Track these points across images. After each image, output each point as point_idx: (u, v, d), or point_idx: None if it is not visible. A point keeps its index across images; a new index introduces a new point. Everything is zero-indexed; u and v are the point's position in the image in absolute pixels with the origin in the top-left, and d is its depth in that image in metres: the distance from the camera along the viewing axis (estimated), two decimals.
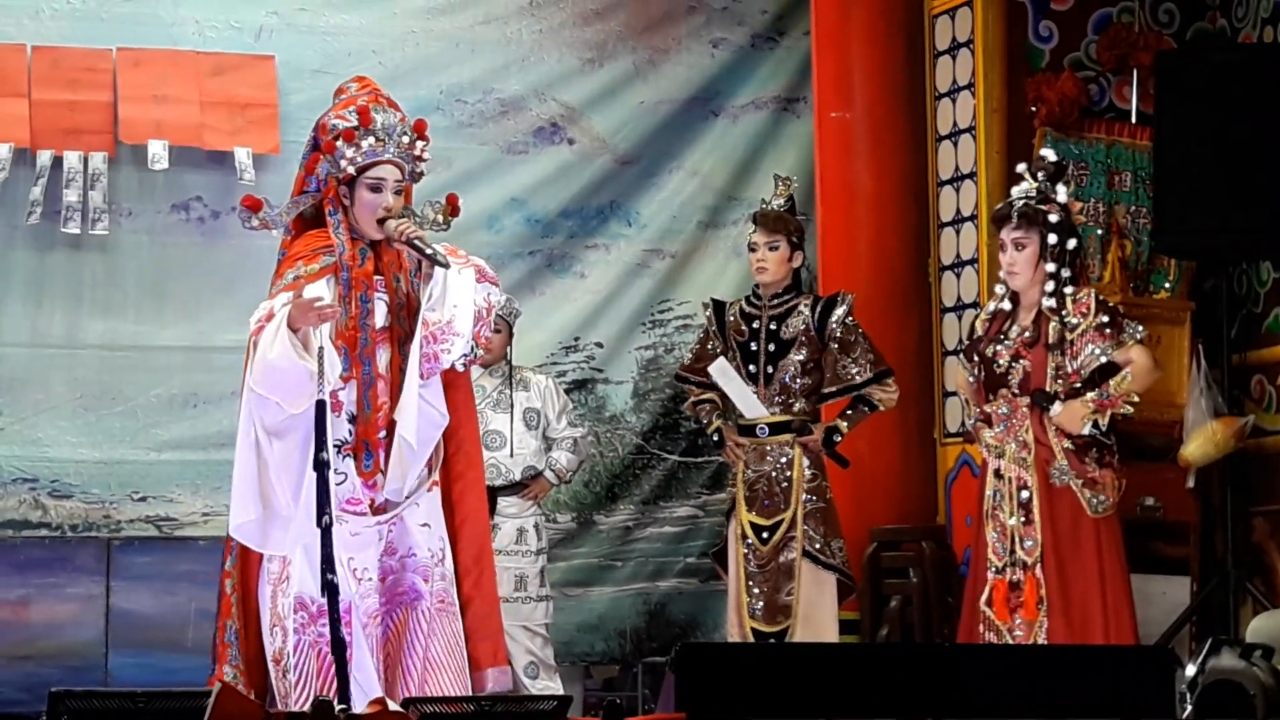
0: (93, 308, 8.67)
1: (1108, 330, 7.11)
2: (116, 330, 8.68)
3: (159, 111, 8.64)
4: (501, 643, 6.15)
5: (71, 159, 8.55)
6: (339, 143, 5.91)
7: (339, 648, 5.46)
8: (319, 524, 5.44)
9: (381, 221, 5.91)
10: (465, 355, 5.91)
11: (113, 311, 8.69)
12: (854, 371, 7.70)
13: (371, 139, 5.92)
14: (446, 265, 5.83)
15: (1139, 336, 7.14)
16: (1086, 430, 7.07)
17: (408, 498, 5.91)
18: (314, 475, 5.52)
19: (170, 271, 8.76)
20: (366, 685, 5.72)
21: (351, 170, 5.92)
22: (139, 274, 8.73)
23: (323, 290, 5.82)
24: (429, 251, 5.83)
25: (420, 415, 5.87)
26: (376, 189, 5.93)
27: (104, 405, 8.65)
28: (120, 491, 8.63)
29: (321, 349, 5.60)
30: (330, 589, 5.44)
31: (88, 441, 8.62)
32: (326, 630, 5.70)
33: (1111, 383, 7.07)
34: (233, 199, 8.65)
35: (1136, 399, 7.12)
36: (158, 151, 8.57)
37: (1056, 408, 7.08)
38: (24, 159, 8.57)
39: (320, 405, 5.53)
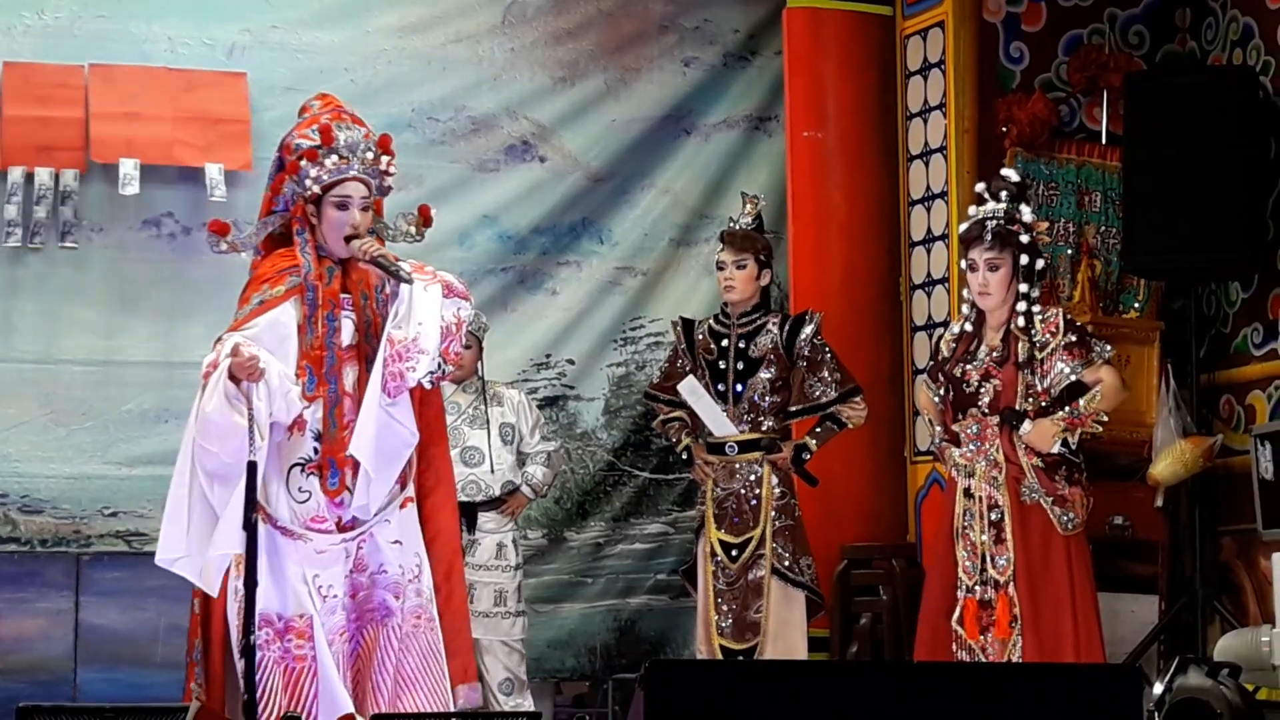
0: (64, 323, 8.65)
1: (1076, 349, 7.14)
2: (87, 345, 8.66)
3: (130, 129, 8.62)
4: (472, 659, 6.15)
5: (42, 175, 8.54)
6: (303, 162, 5.91)
7: (250, 711, 5.43)
8: (247, 584, 5.44)
9: (349, 239, 5.92)
10: (432, 372, 5.91)
11: (84, 327, 8.67)
12: (821, 390, 7.72)
13: (335, 157, 5.93)
14: (410, 281, 5.84)
15: (1107, 356, 7.17)
16: (1056, 448, 7.09)
17: (376, 515, 5.91)
18: (241, 533, 5.51)
19: (141, 287, 8.75)
20: (334, 702, 5.72)
21: (317, 189, 5.92)
22: (110, 289, 8.72)
23: (289, 313, 5.83)
24: (393, 268, 5.84)
25: (389, 434, 5.87)
26: (343, 206, 5.93)
27: (75, 420, 8.63)
28: (91, 507, 8.60)
29: (252, 411, 5.60)
30: (248, 652, 5.42)
31: (58, 457, 8.60)
32: (292, 647, 5.71)
33: (1081, 401, 7.10)
34: (204, 215, 8.64)
35: (1105, 418, 7.15)
36: (129, 172, 8.56)
37: (1026, 426, 7.10)
38: None
39: (251, 466, 5.52)
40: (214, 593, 5.75)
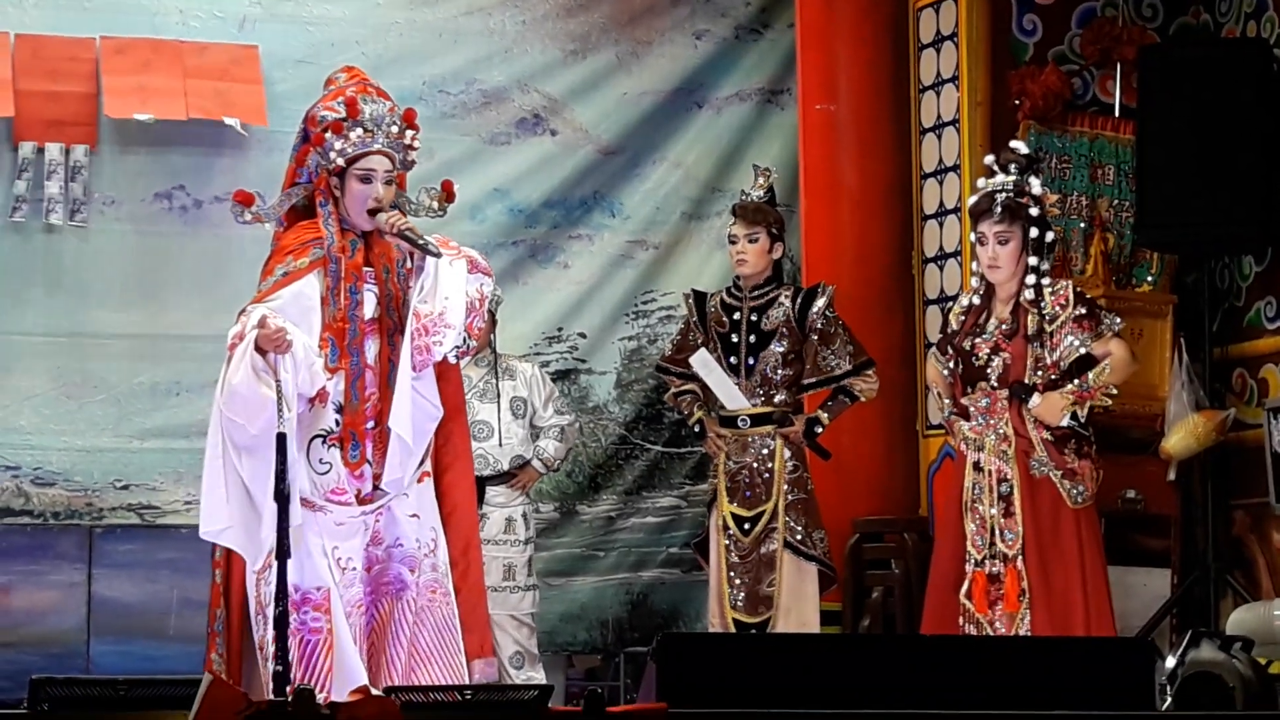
0: (75, 296, 8.67)
1: (1085, 321, 7.13)
2: (99, 318, 8.68)
3: (143, 93, 8.61)
4: (488, 634, 6.15)
5: (53, 151, 8.53)
6: (328, 134, 5.90)
7: (282, 681, 5.44)
8: (279, 555, 5.45)
9: (372, 213, 5.92)
10: (457, 347, 5.92)
11: (95, 300, 8.68)
12: (835, 363, 7.71)
13: (360, 130, 5.92)
14: (438, 255, 5.84)
15: (1117, 328, 7.17)
16: (1065, 422, 7.08)
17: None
18: (274, 506, 5.51)
19: (153, 260, 8.75)
20: (349, 675, 5.73)
21: (341, 162, 5.92)
22: (122, 262, 8.72)
23: (313, 285, 5.83)
24: (420, 242, 5.84)
25: (415, 409, 5.88)
26: (366, 180, 5.93)
27: (86, 393, 8.64)
28: (103, 479, 8.62)
29: (279, 383, 5.60)
30: (280, 622, 5.43)
31: (70, 429, 8.62)
32: (309, 619, 5.72)
33: (1090, 374, 7.09)
34: (216, 188, 8.68)
35: (1115, 390, 7.14)
36: (143, 117, 8.55)
37: (1035, 399, 7.09)
38: (5, 141, 8.54)
39: (280, 438, 5.52)
40: (257, 565, 5.75)
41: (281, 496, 5.44)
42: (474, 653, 6.01)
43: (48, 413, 8.60)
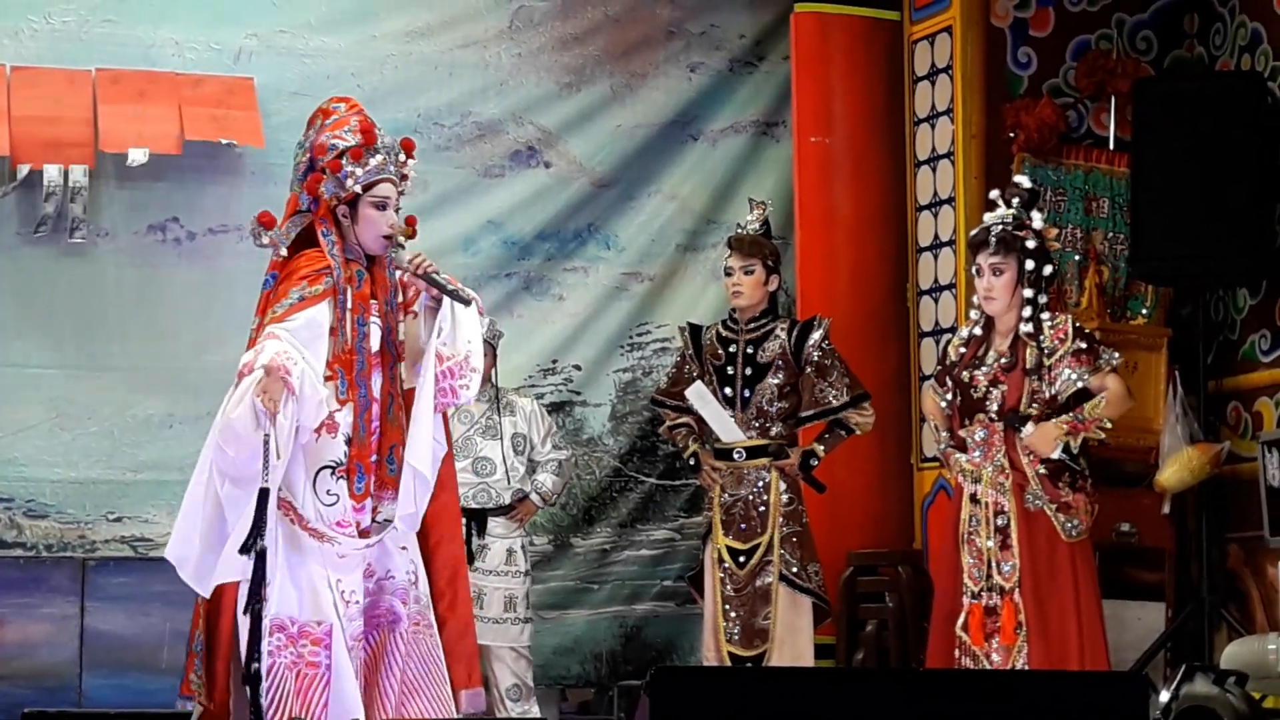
0: (69, 328, 8.65)
1: (1084, 355, 7.14)
2: (93, 350, 8.66)
3: (139, 124, 8.60)
4: (476, 664, 6.14)
5: (51, 172, 8.49)
6: (344, 160, 5.89)
7: None
8: (246, 610, 5.43)
9: (388, 238, 5.92)
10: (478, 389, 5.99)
11: (89, 332, 8.66)
12: (830, 395, 7.71)
13: (379, 156, 5.93)
14: (467, 303, 5.84)
15: (1114, 363, 7.17)
16: (1057, 454, 7.08)
17: (388, 521, 5.90)
18: (246, 560, 5.49)
19: (147, 292, 8.74)
20: (348, 708, 5.71)
21: (357, 189, 5.91)
22: (116, 295, 8.71)
23: (324, 313, 5.82)
24: (450, 288, 5.84)
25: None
26: (382, 206, 5.93)
27: (80, 425, 8.62)
28: (95, 512, 8.60)
29: (268, 437, 5.58)
30: (253, 679, 5.41)
31: (63, 461, 8.59)
32: (305, 653, 5.70)
33: (1085, 406, 7.10)
34: (209, 220, 8.68)
35: (1109, 424, 7.14)
36: (138, 156, 8.53)
37: (1029, 429, 7.10)
38: (3, 171, 8.54)
39: (262, 494, 5.51)
40: (205, 594, 5.73)
41: (248, 549, 5.43)
42: (460, 683, 5.99)
43: (41, 445, 8.58)
